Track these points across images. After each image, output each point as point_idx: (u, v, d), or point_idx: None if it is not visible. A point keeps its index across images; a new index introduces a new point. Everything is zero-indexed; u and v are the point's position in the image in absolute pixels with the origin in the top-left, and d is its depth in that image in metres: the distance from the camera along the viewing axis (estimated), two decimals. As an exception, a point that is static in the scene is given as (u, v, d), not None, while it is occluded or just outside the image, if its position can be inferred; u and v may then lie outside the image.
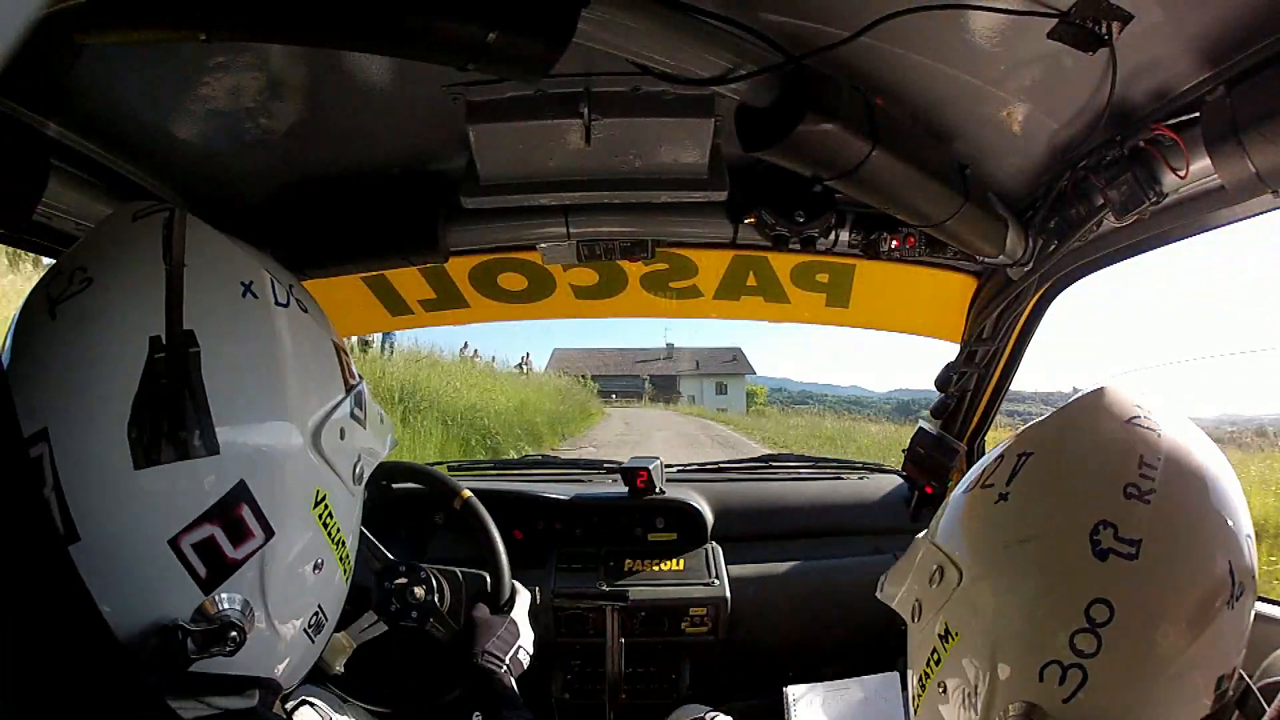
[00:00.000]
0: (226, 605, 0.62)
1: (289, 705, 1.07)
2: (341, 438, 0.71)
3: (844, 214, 1.36)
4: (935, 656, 0.72)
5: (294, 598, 0.69)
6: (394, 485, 1.65)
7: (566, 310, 1.83)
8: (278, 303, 0.69)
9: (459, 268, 1.65)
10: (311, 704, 1.16)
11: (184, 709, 0.62)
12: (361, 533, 1.60)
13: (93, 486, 0.57)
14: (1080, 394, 0.77)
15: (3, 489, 0.53)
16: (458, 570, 1.43)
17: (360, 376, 0.77)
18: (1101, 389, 0.75)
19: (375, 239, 1.37)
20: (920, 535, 0.83)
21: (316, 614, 0.73)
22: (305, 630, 0.72)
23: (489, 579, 1.40)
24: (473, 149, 1.12)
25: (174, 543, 0.60)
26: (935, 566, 0.74)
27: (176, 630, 0.60)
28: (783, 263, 1.64)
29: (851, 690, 1.25)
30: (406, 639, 1.41)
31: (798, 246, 1.40)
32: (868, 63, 0.97)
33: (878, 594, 0.86)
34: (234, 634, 0.62)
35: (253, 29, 0.75)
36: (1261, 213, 1.05)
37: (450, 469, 2.00)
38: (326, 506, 0.70)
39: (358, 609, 1.46)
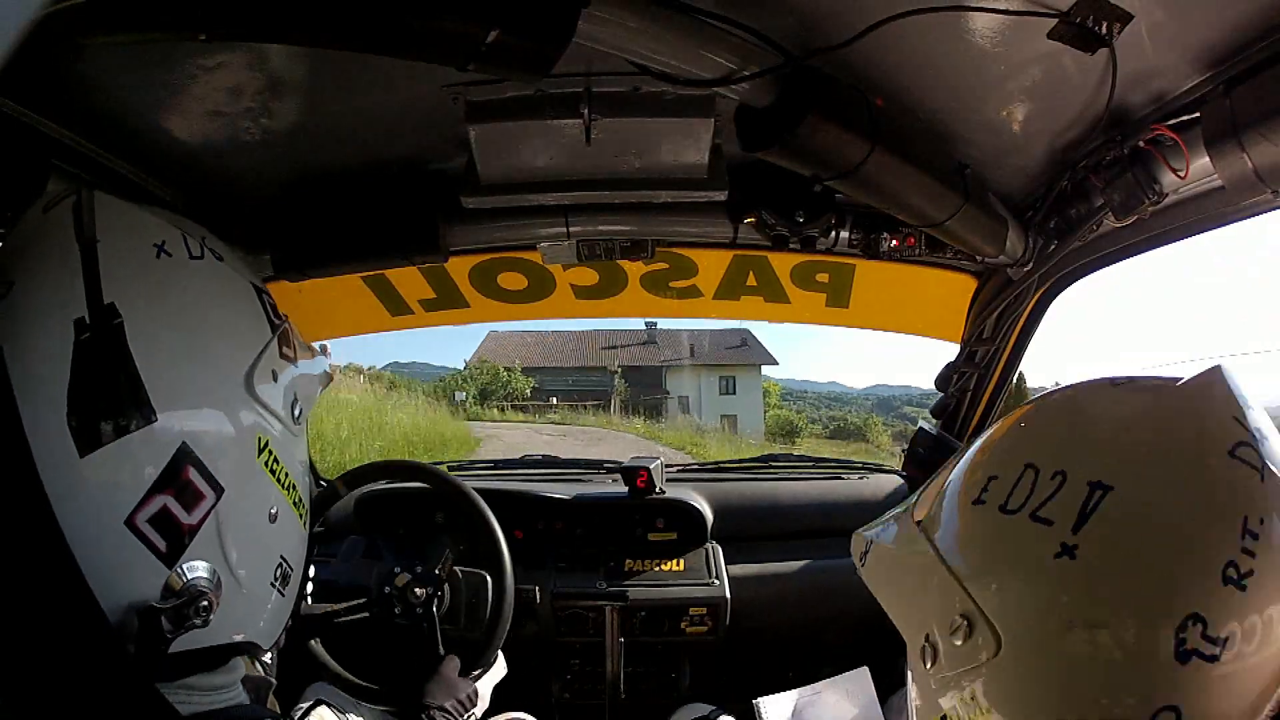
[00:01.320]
0: (190, 575, 0.62)
1: (303, 705, 1.08)
2: (274, 380, 0.71)
3: (844, 214, 1.36)
4: (957, 715, 0.61)
5: (256, 553, 0.69)
6: (391, 485, 1.66)
7: (567, 310, 1.83)
8: (192, 257, 0.68)
9: (459, 268, 1.66)
10: (327, 704, 1.17)
11: (174, 697, 0.62)
12: (361, 539, 1.62)
13: (55, 486, 0.57)
14: (1176, 383, 0.59)
15: (9, 493, 0.53)
16: (457, 569, 1.43)
17: (285, 315, 0.77)
18: (1207, 383, 0.58)
19: (375, 239, 1.37)
20: (907, 523, 0.68)
21: (280, 565, 0.72)
22: (273, 585, 0.72)
23: (490, 579, 1.40)
24: (473, 149, 1.12)
25: (130, 522, 0.59)
26: (960, 617, 0.59)
27: (150, 612, 0.60)
28: (783, 263, 1.64)
29: (823, 693, 1.24)
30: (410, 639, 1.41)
31: (798, 246, 1.40)
32: (868, 63, 0.97)
33: (860, 571, 0.74)
34: (204, 603, 0.62)
35: (253, 29, 0.75)
36: (1261, 212, 1.05)
37: (450, 468, 2.00)
38: (271, 453, 0.70)
39: (364, 607, 1.46)
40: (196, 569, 0.63)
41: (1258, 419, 0.57)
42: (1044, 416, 0.66)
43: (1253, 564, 0.52)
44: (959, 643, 0.59)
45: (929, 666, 0.63)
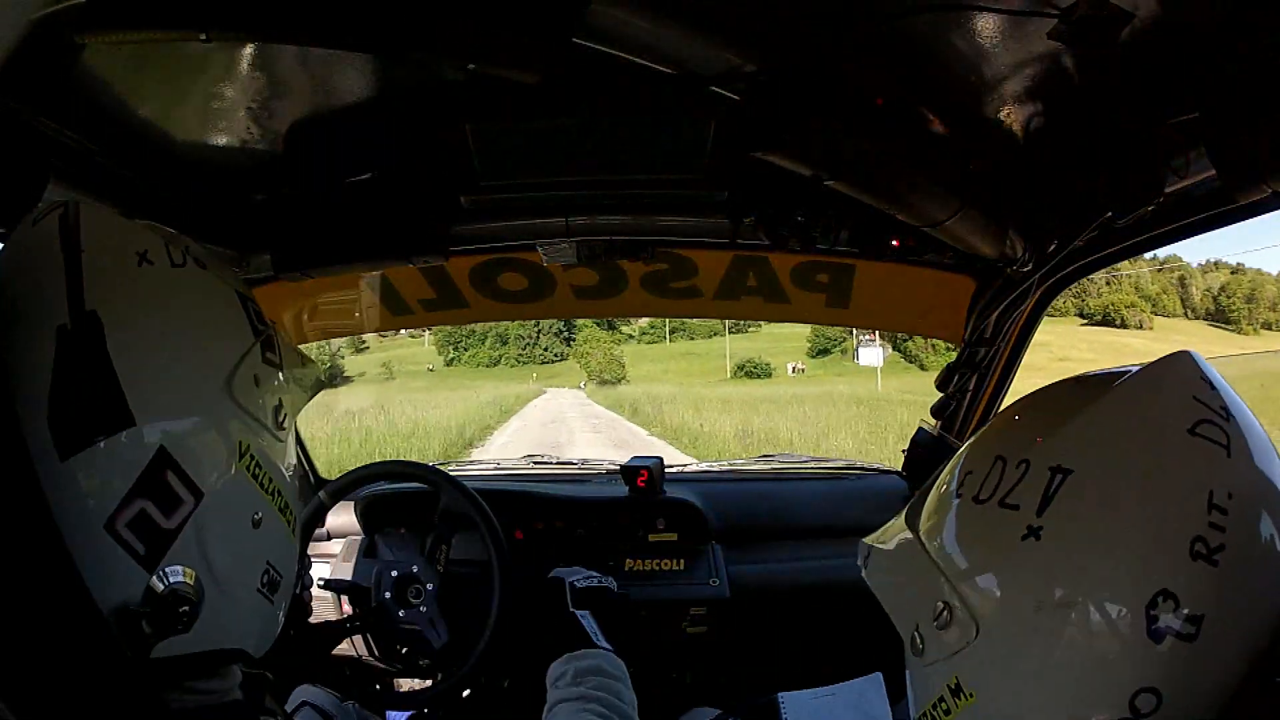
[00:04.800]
0: (173, 579, 0.62)
1: (289, 708, 1.07)
2: (256, 385, 0.72)
3: (844, 214, 1.36)
4: (944, 707, 0.62)
5: (239, 558, 0.69)
6: (392, 486, 1.66)
7: (567, 310, 1.83)
8: (174, 265, 0.69)
9: (459, 268, 1.66)
10: (311, 705, 1.17)
11: (169, 694, 0.62)
12: (362, 539, 1.63)
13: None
14: (1130, 373, 0.61)
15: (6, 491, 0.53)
16: (457, 569, 1.43)
17: (271, 322, 0.78)
18: (1163, 368, 0.59)
19: (375, 238, 1.37)
20: (899, 523, 0.71)
21: (267, 572, 0.72)
22: (260, 591, 0.71)
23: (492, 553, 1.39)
24: (472, 149, 1.12)
25: (110, 526, 0.60)
26: (941, 604, 0.61)
27: (129, 615, 0.60)
28: (783, 263, 1.64)
29: (837, 695, 1.25)
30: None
31: (798, 246, 1.40)
32: (868, 63, 0.97)
33: (863, 573, 0.76)
34: (184, 609, 0.62)
35: (253, 29, 0.75)
36: (1261, 211, 1.05)
37: (450, 468, 2.00)
38: (253, 458, 0.70)
39: (361, 607, 1.47)
40: (178, 574, 0.63)
41: (1226, 400, 0.57)
42: (1012, 413, 0.69)
43: (1222, 539, 0.52)
44: (940, 631, 0.61)
45: (917, 655, 0.65)
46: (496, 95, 1.05)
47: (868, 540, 0.77)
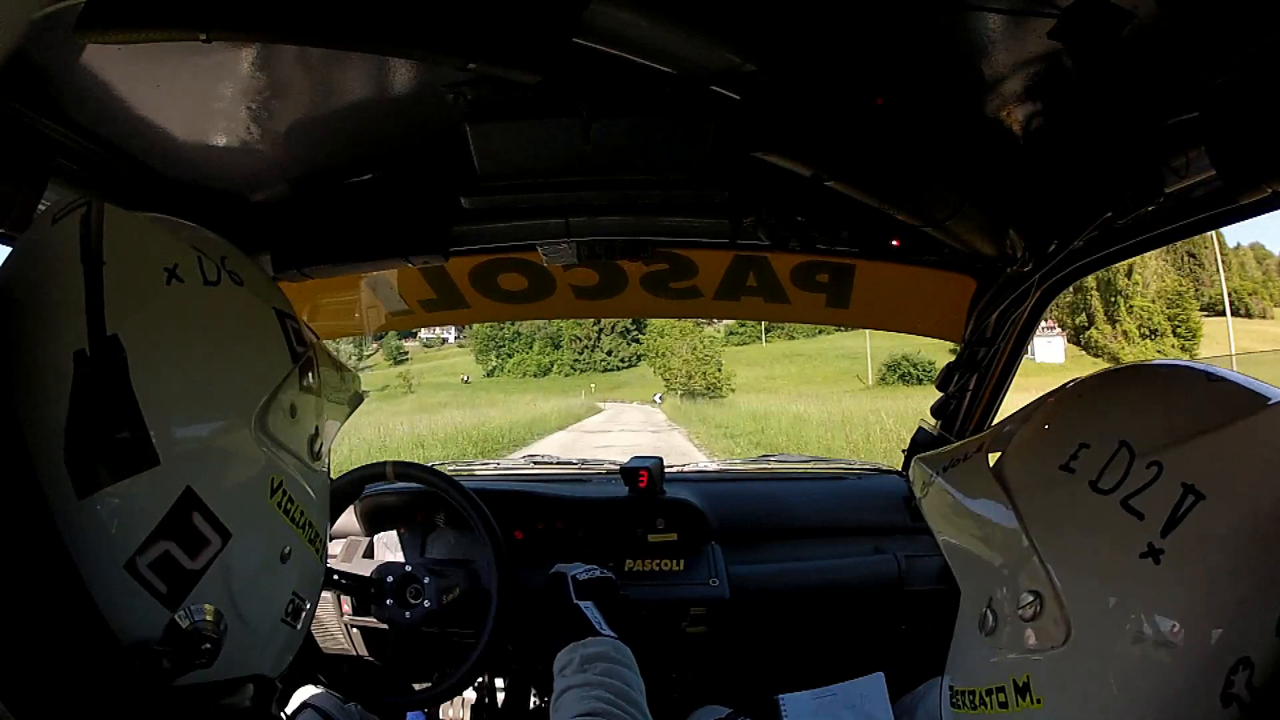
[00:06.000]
0: (196, 617, 0.59)
1: (290, 709, 1.07)
2: (292, 415, 0.67)
3: (844, 213, 1.36)
4: (1001, 699, 0.58)
5: (264, 594, 0.66)
6: (392, 486, 1.66)
7: (567, 310, 1.83)
8: (207, 282, 0.64)
9: (459, 268, 1.65)
10: (314, 707, 1.17)
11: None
12: (362, 539, 1.62)
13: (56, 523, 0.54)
14: (1270, 407, 0.55)
15: (17, 518, 0.52)
16: (454, 570, 1.43)
17: (314, 339, 0.74)
18: None
19: (375, 239, 1.37)
20: (984, 467, 0.63)
21: (292, 602, 0.69)
22: (283, 620, 0.69)
23: (492, 557, 1.40)
24: (472, 149, 1.12)
25: (130, 567, 0.56)
26: (1032, 595, 0.56)
27: (150, 653, 0.58)
28: (783, 263, 1.64)
29: (839, 695, 1.25)
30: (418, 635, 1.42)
31: (798, 246, 1.40)
32: (868, 62, 0.97)
33: (921, 504, 0.70)
34: (206, 646, 0.59)
35: (253, 29, 0.75)
36: (1262, 211, 1.05)
37: (451, 468, 2.00)
38: (285, 493, 0.65)
39: (363, 606, 1.47)
40: (200, 612, 0.60)
41: None
42: (1141, 393, 0.63)
43: None
44: (1025, 620, 0.57)
45: (984, 635, 0.61)
46: (496, 95, 1.05)
47: (925, 463, 0.70)
